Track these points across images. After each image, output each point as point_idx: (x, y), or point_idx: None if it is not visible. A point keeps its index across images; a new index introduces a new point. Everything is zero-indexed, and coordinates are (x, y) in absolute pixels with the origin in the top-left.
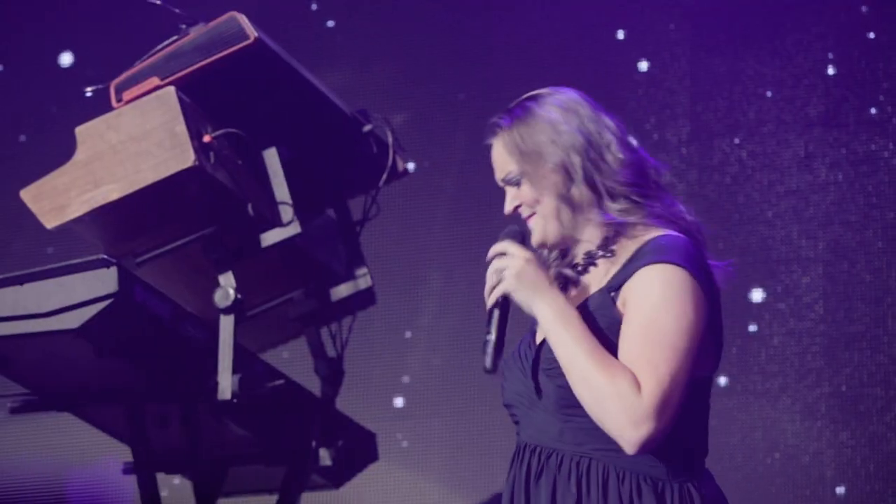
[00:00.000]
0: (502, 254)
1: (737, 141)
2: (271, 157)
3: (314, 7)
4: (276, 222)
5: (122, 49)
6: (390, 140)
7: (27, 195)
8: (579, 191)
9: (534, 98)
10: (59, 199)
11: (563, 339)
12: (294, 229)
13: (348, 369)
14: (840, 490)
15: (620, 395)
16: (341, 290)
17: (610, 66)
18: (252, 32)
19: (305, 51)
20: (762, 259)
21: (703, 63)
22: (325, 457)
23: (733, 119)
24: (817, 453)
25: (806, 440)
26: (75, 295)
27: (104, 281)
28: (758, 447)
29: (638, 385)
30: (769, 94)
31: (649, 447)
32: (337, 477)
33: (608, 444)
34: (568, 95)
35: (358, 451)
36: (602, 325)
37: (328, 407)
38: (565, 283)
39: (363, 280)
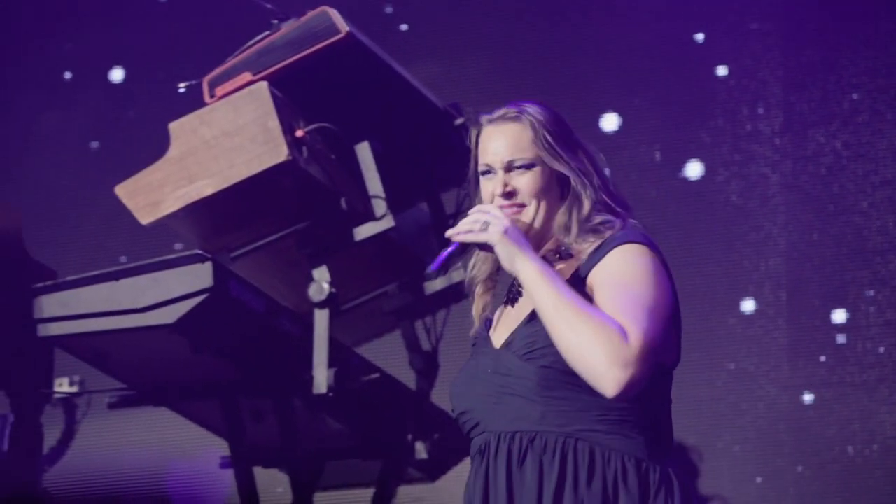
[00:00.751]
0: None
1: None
2: (364, 150)
3: (388, 10)
4: (370, 216)
5: (209, 46)
6: None
7: (122, 191)
8: (580, 203)
9: (543, 104)
10: (153, 195)
11: (549, 290)
12: (387, 223)
13: (443, 362)
14: None
15: (609, 339)
16: (435, 284)
17: (699, 60)
18: (343, 27)
19: (397, 44)
20: (857, 249)
21: (796, 53)
22: (420, 450)
23: (827, 109)
24: None
25: None
26: (171, 290)
27: (199, 276)
28: (856, 438)
29: (622, 329)
30: (863, 83)
31: (631, 391)
32: (433, 470)
33: (591, 426)
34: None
35: (454, 444)
36: None
37: (424, 400)
38: (517, 294)
39: (457, 273)
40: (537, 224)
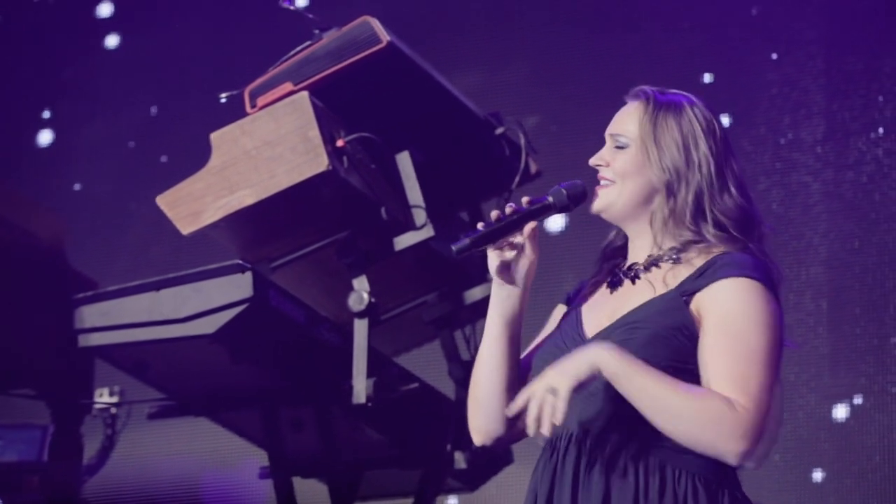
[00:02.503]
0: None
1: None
2: (404, 160)
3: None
4: (410, 225)
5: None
6: (523, 142)
7: (163, 201)
8: (672, 201)
9: (689, 99)
10: (194, 205)
11: (641, 384)
12: (427, 232)
13: None
14: None
15: (718, 417)
16: (475, 293)
17: (742, 64)
18: (384, 36)
19: (436, 54)
20: None
21: (838, 61)
22: (459, 460)
23: (870, 117)
24: None
25: None
26: (211, 300)
27: (239, 286)
28: None
29: (727, 402)
30: None
31: (752, 457)
32: (472, 480)
33: (663, 441)
34: (716, 122)
35: (493, 454)
36: (671, 324)
37: (463, 410)
38: (619, 281)
39: None
40: (618, 207)
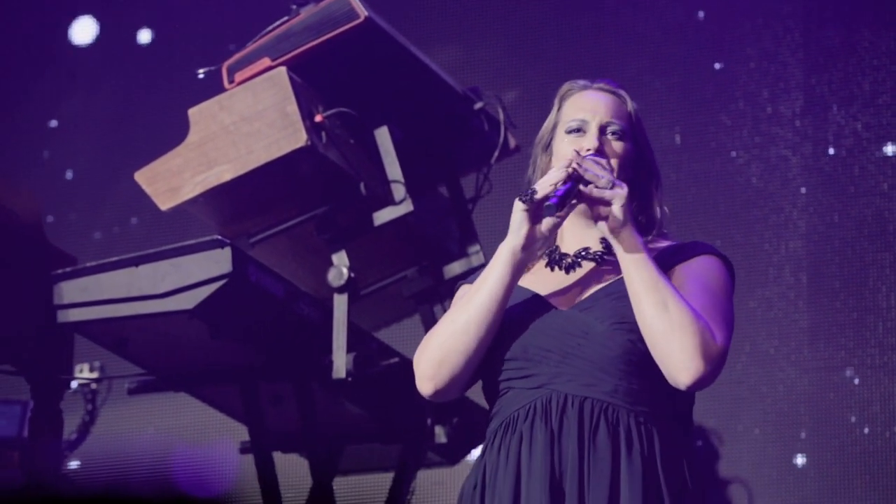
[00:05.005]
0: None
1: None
2: (383, 135)
3: None
4: (389, 201)
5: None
6: (502, 117)
7: (142, 178)
8: (658, 195)
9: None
10: (173, 180)
11: (650, 268)
12: (406, 207)
13: None
14: None
15: (703, 331)
16: (454, 268)
17: (720, 43)
18: (362, 11)
19: (416, 28)
20: (878, 231)
21: (817, 35)
22: (440, 434)
23: (848, 91)
24: None
25: None
26: (190, 276)
27: (218, 261)
28: (876, 420)
29: (707, 324)
30: (884, 65)
31: (702, 386)
32: (452, 454)
33: (656, 410)
34: None
35: (473, 427)
36: None
37: None
38: (576, 263)
39: (476, 257)
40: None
